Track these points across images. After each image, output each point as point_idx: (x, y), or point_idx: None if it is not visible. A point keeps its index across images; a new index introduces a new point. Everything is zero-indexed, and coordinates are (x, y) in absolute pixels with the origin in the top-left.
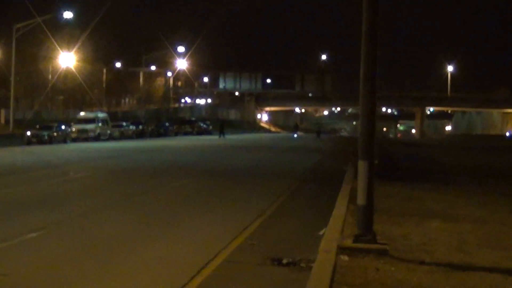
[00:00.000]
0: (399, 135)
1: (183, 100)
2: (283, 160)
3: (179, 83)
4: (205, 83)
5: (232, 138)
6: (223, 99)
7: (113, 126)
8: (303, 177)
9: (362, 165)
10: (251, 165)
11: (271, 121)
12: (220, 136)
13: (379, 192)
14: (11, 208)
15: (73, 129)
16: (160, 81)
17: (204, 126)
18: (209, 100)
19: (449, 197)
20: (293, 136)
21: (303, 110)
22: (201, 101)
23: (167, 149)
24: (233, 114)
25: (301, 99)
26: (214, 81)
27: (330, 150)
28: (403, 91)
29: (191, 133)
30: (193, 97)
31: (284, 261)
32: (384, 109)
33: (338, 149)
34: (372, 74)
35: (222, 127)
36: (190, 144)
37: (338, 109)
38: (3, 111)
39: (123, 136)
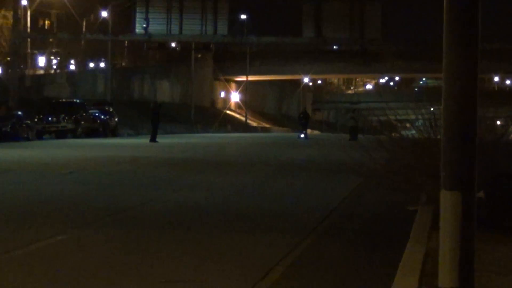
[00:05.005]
0: None
1: (54, 61)
2: (276, 190)
3: (47, 23)
4: (105, 21)
5: (166, 143)
6: (145, 57)
7: None
8: (320, 229)
9: (449, 202)
10: (209, 201)
11: (248, 105)
12: (152, 139)
13: (487, 259)
14: None
15: None
16: (3, 18)
17: (102, 117)
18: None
19: None
20: (299, 136)
21: (319, 82)
22: (95, 63)
23: (22, 168)
24: (165, 91)
25: (315, 58)
26: (124, 20)
27: (379, 168)
28: None
29: (72, 133)
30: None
31: None
32: (496, 78)
33: (396, 167)
34: (470, 5)
35: (157, 119)
36: (73, 156)
37: (397, 78)
38: None
39: None
